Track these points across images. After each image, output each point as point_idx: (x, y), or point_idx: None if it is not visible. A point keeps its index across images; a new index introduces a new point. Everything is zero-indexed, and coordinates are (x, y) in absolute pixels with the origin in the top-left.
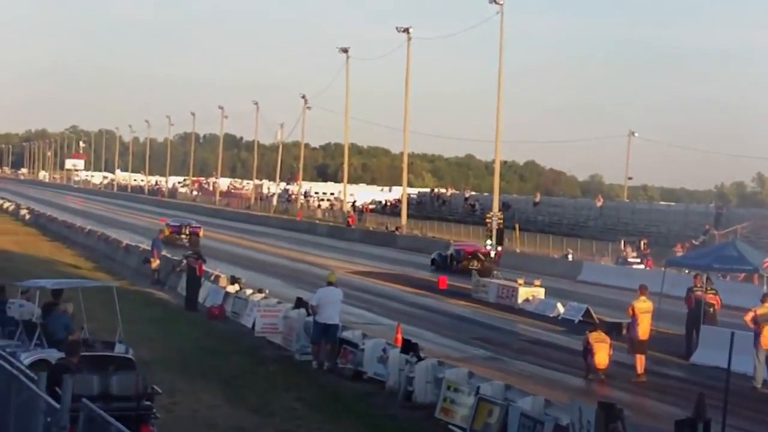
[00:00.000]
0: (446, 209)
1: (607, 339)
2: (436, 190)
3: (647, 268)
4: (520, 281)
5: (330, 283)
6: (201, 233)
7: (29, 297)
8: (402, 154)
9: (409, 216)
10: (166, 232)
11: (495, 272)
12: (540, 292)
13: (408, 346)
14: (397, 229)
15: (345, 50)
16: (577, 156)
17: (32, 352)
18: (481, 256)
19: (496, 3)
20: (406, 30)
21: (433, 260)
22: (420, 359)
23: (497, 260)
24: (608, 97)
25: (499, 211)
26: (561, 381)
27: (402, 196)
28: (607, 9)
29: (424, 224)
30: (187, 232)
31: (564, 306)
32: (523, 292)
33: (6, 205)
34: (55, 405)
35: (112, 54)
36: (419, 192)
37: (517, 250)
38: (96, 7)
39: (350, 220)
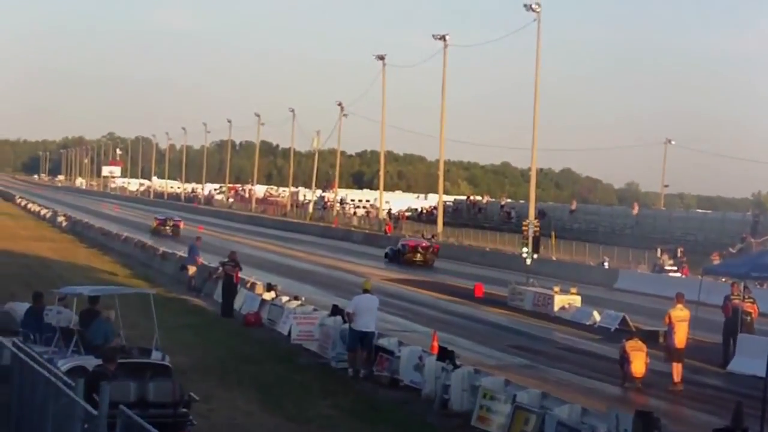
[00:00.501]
0: (482, 217)
1: (644, 347)
2: (472, 197)
3: (683, 276)
4: (557, 289)
5: (366, 291)
6: (181, 225)
7: (67, 304)
8: (438, 161)
9: (445, 224)
10: (154, 224)
11: (530, 280)
12: (576, 300)
13: (444, 354)
14: (433, 236)
15: (381, 58)
16: (614, 164)
17: (69, 359)
18: (421, 249)
19: (533, 11)
20: (443, 37)
21: (386, 254)
22: (456, 367)
23: (435, 253)
24: (645, 104)
25: (535, 218)
26: (598, 389)
27: (438, 203)
28: (644, 17)
29: (460, 232)
30: (171, 224)
31: (600, 314)
32: (560, 300)
33: (43, 212)
34: (93, 411)
35: (149, 62)
36: (455, 199)
37: (554, 258)
38: (133, 15)
39: (387, 228)
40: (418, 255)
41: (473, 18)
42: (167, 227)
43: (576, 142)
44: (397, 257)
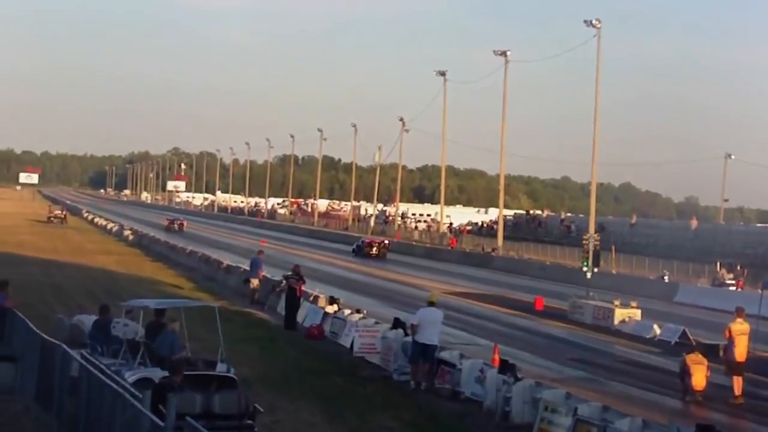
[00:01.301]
0: (542, 231)
1: (705, 360)
2: (532, 211)
3: (740, 290)
4: (617, 302)
5: (431, 304)
6: (185, 225)
7: (133, 316)
8: (498, 175)
9: (505, 238)
10: (166, 224)
11: (590, 293)
12: (636, 314)
13: (505, 367)
14: (493, 250)
15: (443, 73)
16: (673, 178)
17: (136, 371)
18: (376, 245)
19: (593, 26)
20: (504, 53)
21: (353, 249)
22: (517, 380)
23: (387, 247)
24: (704, 118)
25: (595, 232)
26: (658, 402)
27: (498, 217)
28: (703, 32)
29: (520, 246)
30: (177, 224)
31: (661, 327)
32: (620, 314)
33: (110, 225)
34: (160, 423)
35: (213, 78)
36: (515, 214)
37: (613, 272)
38: (198, 32)
39: (451, 242)
40: (374, 249)
41: (535, 34)
42: (175, 225)
43: (636, 157)
44: (360, 251)
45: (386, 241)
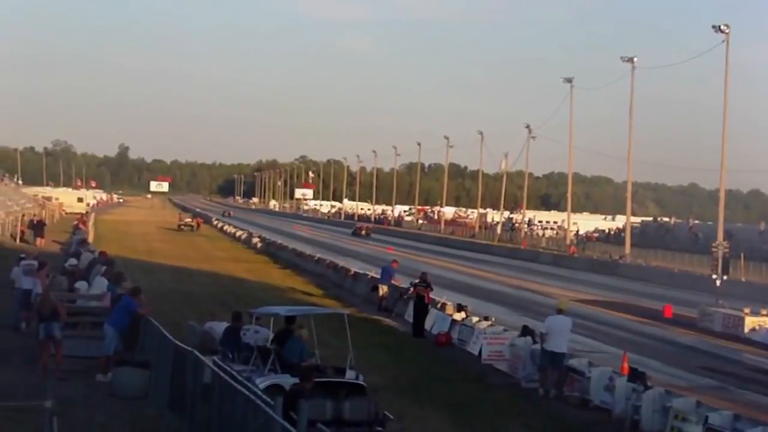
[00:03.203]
0: (670, 238)
1: None
2: (659, 219)
3: None
4: (747, 310)
5: (560, 311)
6: (201, 222)
7: (263, 323)
8: (625, 182)
9: (632, 245)
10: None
11: (720, 301)
12: (767, 322)
13: (635, 375)
14: (620, 257)
15: (569, 80)
16: None
17: (266, 377)
18: (365, 227)
19: (722, 32)
20: (630, 59)
21: (352, 232)
22: (647, 388)
23: (371, 230)
24: None
25: (724, 240)
26: None
27: (625, 225)
28: None
29: (648, 253)
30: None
31: None
32: (750, 322)
33: (239, 233)
34: (291, 429)
35: (338, 87)
36: (642, 221)
37: (743, 279)
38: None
39: (570, 250)
40: (363, 232)
41: (662, 40)
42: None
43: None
44: (355, 233)
45: (369, 228)
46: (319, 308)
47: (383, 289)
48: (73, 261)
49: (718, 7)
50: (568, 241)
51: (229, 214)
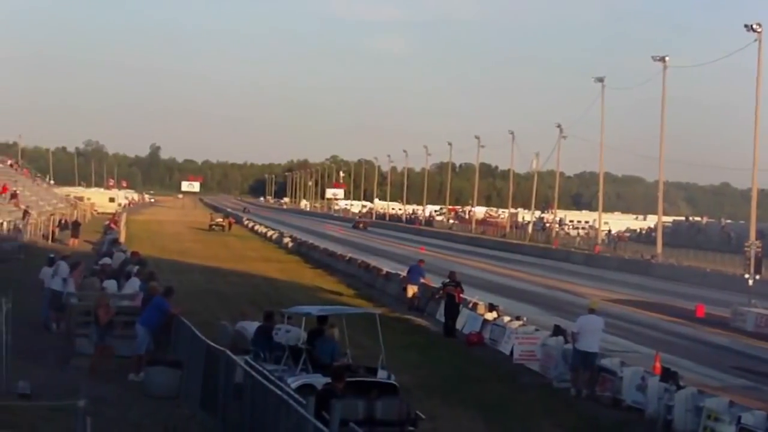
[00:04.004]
0: (702, 238)
1: None
2: (691, 218)
3: None
4: None
5: (592, 311)
6: (233, 222)
7: (295, 323)
8: (657, 182)
9: (664, 244)
10: (223, 221)
11: (753, 301)
12: None
13: (667, 375)
14: (652, 257)
15: (600, 80)
16: None
17: (298, 377)
18: (362, 221)
19: (754, 31)
20: (662, 59)
21: (353, 225)
22: (680, 388)
23: (368, 224)
24: None
25: (757, 239)
26: None
27: (657, 224)
28: None
29: (680, 253)
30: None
31: None
32: None
33: (270, 233)
34: (324, 429)
35: (368, 86)
36: (674, 220)
37: None
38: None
39: (596, 249)
40: (360, 225)
41: (694, 39)
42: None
43: None
44: (355, 226)
45: (366, 222)
46: (350, 308)
47: (413, 290)
48: (107, 260)
49: (751, 5)
50: (599, 241)
51: (248, 210)
